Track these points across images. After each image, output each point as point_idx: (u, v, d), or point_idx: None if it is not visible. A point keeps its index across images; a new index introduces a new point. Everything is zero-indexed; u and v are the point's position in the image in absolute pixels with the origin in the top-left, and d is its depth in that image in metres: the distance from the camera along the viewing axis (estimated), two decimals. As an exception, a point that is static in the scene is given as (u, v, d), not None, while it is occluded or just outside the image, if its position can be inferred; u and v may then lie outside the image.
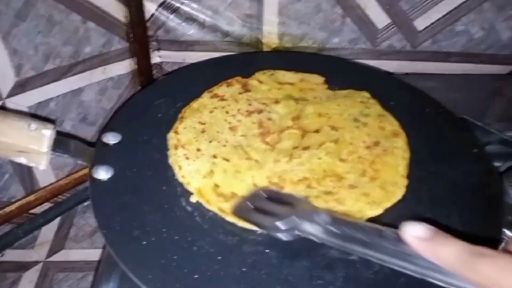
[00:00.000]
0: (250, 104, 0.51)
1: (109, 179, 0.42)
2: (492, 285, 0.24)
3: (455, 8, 0.63)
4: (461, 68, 0.68)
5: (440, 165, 0.45)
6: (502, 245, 0.26)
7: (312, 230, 0.34)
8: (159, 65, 0.68)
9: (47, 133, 0.41)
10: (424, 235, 0.27)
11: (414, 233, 0.27)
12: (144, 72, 0.66)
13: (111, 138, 0.45)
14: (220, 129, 0.48)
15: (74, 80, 0.59)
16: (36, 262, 0.61)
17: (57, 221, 0.65)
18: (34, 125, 0.41)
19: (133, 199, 0.40)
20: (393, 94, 0.54)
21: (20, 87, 0.54)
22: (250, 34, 0.65)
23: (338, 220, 0.34)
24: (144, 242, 0.36)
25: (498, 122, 0.58)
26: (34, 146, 0.40)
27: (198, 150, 0.45)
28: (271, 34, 0.65)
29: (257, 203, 0.38)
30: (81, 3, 0.55)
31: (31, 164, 0.41)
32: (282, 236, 0.35)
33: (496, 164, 0.53)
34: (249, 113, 0.50)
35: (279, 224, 0.35)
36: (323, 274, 0.35)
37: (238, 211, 0.39)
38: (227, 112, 0.50)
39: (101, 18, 0.58)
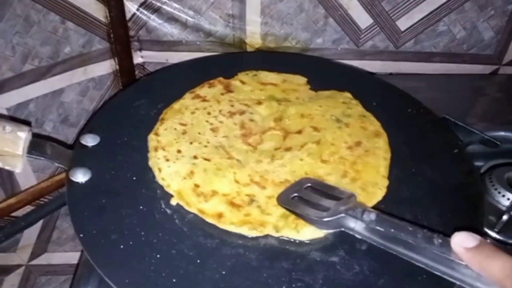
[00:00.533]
0: (232, 105, 0.51)
1: (87, 181, 0.41)
2: None
3: (437, 8, 0.63)
4: (444, 68, 0.69)
5: (421, 165, 0.45)
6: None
7: (357, 227, 0.35)
8: (142, 65, 0.67)
9: (23, 136, 0.40)
10: (472, 244, 0.27)
11: (463, 242, 0.28)
12: (126, 72, 0.65)
13: (90, 140, 0.45)
14: (202, 130, 0.48)
15: (54, 81, 0.58)
16: (18, 266, 0.60)
17: (39, 224, 0.64)
18: (9, 127, 0.40)
19: (111, 202, 0.39)
20: (376, 94, 0.54)
21: (-2, 88, 0.53)
22: (233, 34, 0.65)
23: (384, 219, 0.34)
24: (122, 246, 0.36)
25: (480, 122, 0.58)
26: (9, 149, 0.39)
27: (179, 151, 0.45)
28: (254, 34, 0.65)
29: (303, 193, 0.39)
30: (59, 2, 0.54)
31: (6, 167, 0.41)
32: (325, 228, 0.36)
33: (478, 164, 0.53)
34: (231, 114, 0.50)
35: (326, 219, 0.36)
36: (303, 277, 0.35)
37: (283, 200, 0.39)
38: (208, 113, 0.50)
39: (81, 18, 0.57)
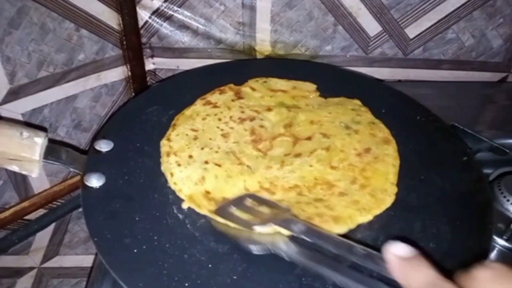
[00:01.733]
0: (242, 112, 0.52)
1: (101, 186, 0.42)
2: None
3: (445, 17, 0.64)
4: (453, 76, 0.69)
5: (430, 173, 0.45)
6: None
7: (285, 248, 0.35)
8: (153, 71, 0.68)
9: (39, 141, 0.41)
10: (405, 254, 0.27)
11: (397, 250, 0.28)
12: (138, 78, 0.66)
13: (104, 146, 0.46)
14: (213, 136, 0.48)
15: (68, 87, 0.59)
16: (30, 268, 0.61)
17: (51, 227, 0.65)
18: (26, 133, 0.41)
19: (125, 206, 0.40)
20: (384, 101, 0.54)
21: (14, 94, 0.54)
22: (243, 41, 0.65)
23: (313, 230, 0.35)
24: (135, 250, 0.37)
25: (489, 130, 0.59)
26: (26, 154, 0.41)
27: (190, 157, 0.45)
28: (264, 42, 0.65)
29: (241, 206, 0.39)
30: (74, 11, 0.55)
31: (23, 172, 0.42)
32: (254, 250, 0.36)
33: (487, 171, 0.54)
34: (242, 120, 0.51)
35: (256, 227, 0.37)
36: (313, 282, 0.36)
37: (220, 211, 0.40)
38: (219, 119, 0.50)
39: (95, 25, 0.58)
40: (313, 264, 0.34)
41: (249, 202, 0.40)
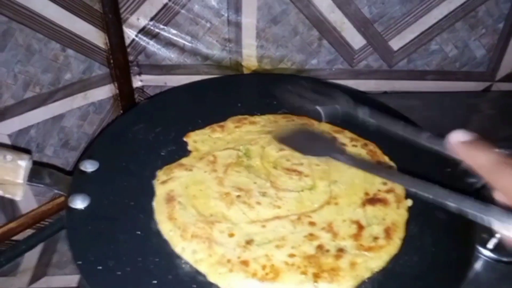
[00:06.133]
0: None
1: (86, 208, 0.42)
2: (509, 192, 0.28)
3: (428, 28, 0.65)
4: (437, 86, 0.70)
5: (414, 185, 0.46)
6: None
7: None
8: (141, 89, 0.69)
9: (23, 164, 0.41)
10: (467, 139, 0.31)
11: (460, 137, 0.31)
12: (126, 96, 0.67)
13: (89, 166, 0.46)
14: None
15: (55, 107, 0.59)
16: (18, 290, 0.61)
17: (39, 247, 0.65)
18: (9, 156, 0.41)
19: (109, 228, 0.40)
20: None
21: (0, 115, 0.54)
22: (230, 57, 0.66)
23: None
24: (119, 273, 0.36)
25: (475, 139, 0.59)
26: (9, 178, 0.41)
27: None
28: (250, 57, 0.66)
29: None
30: (60, 31, 0.56)
31: (7, 195, 0.42)
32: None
33: (472, 180, 0.54)
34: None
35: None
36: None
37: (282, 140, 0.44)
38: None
39: (81, 45, 0.59)
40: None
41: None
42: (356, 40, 0.65)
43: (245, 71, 0.67)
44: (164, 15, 0.62)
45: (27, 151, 0.56)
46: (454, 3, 0.63)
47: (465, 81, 0.70)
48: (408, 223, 0.42)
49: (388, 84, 0.69)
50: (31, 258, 0.64)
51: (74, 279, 0.61)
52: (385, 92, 0.70)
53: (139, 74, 0.67)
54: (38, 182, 0.42)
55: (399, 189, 0.45)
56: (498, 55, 0.69)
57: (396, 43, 0.66)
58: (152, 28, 0.63)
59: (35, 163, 0.44)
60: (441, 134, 0.52)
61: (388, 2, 0.62)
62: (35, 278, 0.62)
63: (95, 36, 0.60)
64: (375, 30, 0.64)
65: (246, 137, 0.51)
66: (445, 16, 0.64)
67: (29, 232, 0.63)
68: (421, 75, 0.69)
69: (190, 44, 0.65)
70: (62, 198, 0.64)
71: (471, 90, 0.71)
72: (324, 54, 0.66)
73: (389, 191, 0.45)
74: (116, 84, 0.65)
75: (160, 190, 0.44)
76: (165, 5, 0.61)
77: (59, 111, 0.60)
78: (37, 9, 0.53)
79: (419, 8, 0.63)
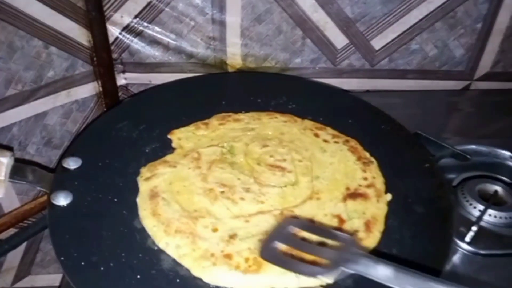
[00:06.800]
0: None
1: (68, 204, 0.42)
2: None
3: (409, 28, 0.66)
4: (418, 85, 0.71)
5: (394, 180, 0.47)
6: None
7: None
8: (125, 86, 0.68)
9: (5, 161, 0.41)
10: None
11: None
12: (110, 94, 0.66)
13: (72, 163, 0.45)
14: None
15: (38, 105, 0.59)
16: (1, 290, 0.60)
17: (22, 246, 0.64)
18: (-10, 153, 0.41)
19: (92, 224, 0.40)
20: (351, 112, 0.56)
21: (-19, 113, 0.53)
22: (214, 55, 0.66)
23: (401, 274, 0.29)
24: (102, 268, 0.37)
25: (454, 136, 0.61)
26: (-10, 175, 0.40)
27: None
28: (235, 56, 0.67)
29: (289, 241, 0.33)
30: (43, 29, 0.55)
31: (-12, 193, 0.41)
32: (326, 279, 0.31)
33: (451, 176, 0.55)
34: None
35: (321, 276, 0.31)
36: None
37: (268, 255, 0.33)
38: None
39: (64, 42, 0.58)
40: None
41: (294, 231, 0.34)
42: (338, 39, 0.66)
43: (230, 70, 0.68)
44: (148, 13, 0.62)
45: (9, 148, 0.56)
46: (434, 4, 0.65)
47: (445, 80, 0.72)
48: (388, 217, 0.43)
49: (370, 82, 0.71)
50: (14, 257, 0.63)
51: (58, 278, 0.61)
52: (367, 91, 0.72)
53: (123, 72, 0.67)
54: (20, 180, 0.42)
55: (379, 184, 0.46)
56: (476, 55, 0.70)
57: (377, 43, 0.67)
58: (136, 26, 0.63)
59: (17, 161, 0.43)
60: (422, 131, 0.54)
61: (369, 2, 0.63)
62: (18, 277, 0.61)
63: (79, 33, 0.60)
64: (357, 29, 0.65)
65: (230, 134, 0.52)
66: (425, 16, 0.66)
67: (12, 231, 0.62)
68: (402, 74, 0.71)
69: (174, 42, 0.65)
70: (45, 197, 0.64)
71: (450, 88, 0.73)
72: (308, 53, 0.67)
73: (369, 186, 0.46)
74: (99, 82, 0.65)
75: (144, 187, 0.44)
76: (149, 3, 0.61)
77: (41, 109, 0.60)
78: (20, 6, 0.52)
79: (400, 8, 0.64)
